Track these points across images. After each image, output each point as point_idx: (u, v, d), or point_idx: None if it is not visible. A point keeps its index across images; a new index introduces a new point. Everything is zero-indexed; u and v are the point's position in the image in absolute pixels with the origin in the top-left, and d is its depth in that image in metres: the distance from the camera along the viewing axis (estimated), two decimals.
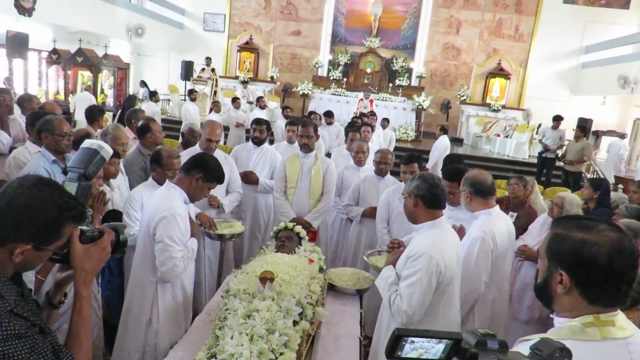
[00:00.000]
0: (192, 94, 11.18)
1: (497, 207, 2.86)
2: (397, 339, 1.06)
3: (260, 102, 11.16)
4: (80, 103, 10.21)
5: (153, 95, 11.36)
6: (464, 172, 3.00)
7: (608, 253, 1.15)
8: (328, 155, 6.19)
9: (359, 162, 4.51)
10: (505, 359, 1.00)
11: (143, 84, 14.43)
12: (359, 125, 6.76)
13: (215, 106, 10.56)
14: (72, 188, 1.41)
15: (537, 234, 3.60)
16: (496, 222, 2.76)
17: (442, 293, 2.29)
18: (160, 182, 3.03)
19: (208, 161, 2.67)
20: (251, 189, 4.38)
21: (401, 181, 3.93)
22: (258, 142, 4.46)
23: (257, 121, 4.57)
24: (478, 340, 1.04)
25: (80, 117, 9.51)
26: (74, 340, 1.30)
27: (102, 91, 12.94)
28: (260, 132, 4.45)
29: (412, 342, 1.06)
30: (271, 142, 5.57)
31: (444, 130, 8.93)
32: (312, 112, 9.64)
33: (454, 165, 3.15)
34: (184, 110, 10.79)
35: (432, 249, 2.22)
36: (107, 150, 1.57)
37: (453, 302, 2.41)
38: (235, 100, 10.91)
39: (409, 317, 2.20)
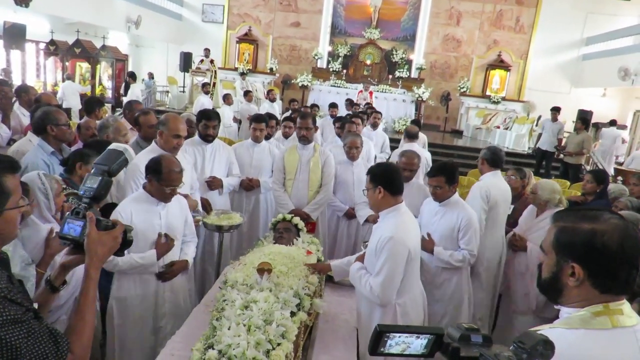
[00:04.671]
0: (205, 87, 11.10)
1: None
2: (379, 335, 1.06)
3: (270, 95, 11.10)
4: (67, 92, 10.26)
5: (131, 76, 11.57)
6: (446, 166, 3.20)
7: (619, 240, 1.15)
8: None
9: (352, 157, 4.25)
10: (488, 352, 0.99)
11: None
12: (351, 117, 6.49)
13: (227, 99, 10.33)
14: (95, 181, 1.51)
15: (524, 222, 3.66)
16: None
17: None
18: (156, 196, 2.67)
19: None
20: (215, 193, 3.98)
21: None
22: (211, 139, 3.95)
23: (208, 117, 3.91)
24: (462, 334, 1.04)
25: (68, 106, 9.50)
26: (79, 319, 1.34)
27: (100, 83, 12.89)
28: (213, 129, 3.89)
29: (394, 337, 1.06)
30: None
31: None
32: (313, 105, 9.63)
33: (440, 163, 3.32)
34: (197, 102, 10.63)
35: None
36: (131, 154, 1.68)
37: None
38: (247, 93, 10.86)
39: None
